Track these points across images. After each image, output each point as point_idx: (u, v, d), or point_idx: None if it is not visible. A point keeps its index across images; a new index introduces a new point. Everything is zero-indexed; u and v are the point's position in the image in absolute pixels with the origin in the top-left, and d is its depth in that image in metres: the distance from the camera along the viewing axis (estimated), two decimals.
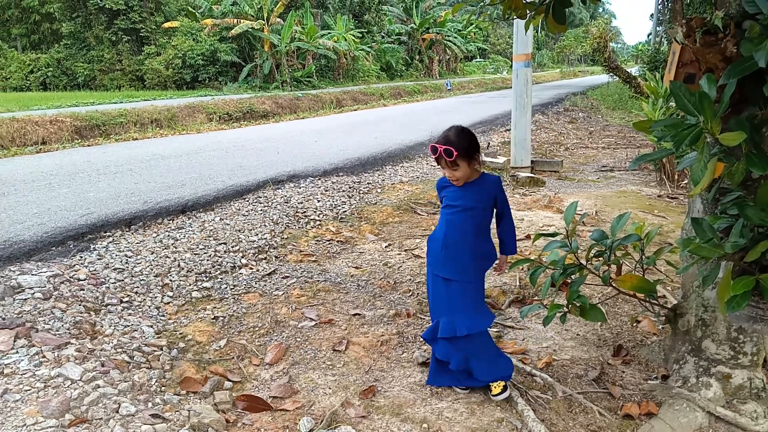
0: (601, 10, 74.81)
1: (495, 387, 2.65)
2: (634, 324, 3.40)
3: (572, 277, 2.75)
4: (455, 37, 39.52)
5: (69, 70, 29.69)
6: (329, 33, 29.79)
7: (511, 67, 40.34)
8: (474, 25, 42.99)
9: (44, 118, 13.53)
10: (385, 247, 4.86)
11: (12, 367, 2.81)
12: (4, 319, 3.23)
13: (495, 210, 2.67)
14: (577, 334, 3.31)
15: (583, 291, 3.13)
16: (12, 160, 8.24)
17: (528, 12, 2.98)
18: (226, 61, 26.55)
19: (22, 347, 2.99)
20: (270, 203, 5.73)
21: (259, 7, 26.60)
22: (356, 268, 4.40)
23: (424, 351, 3.11)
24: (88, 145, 9.85)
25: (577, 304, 2.64)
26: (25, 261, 3.97)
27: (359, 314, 3.61)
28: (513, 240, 2.78)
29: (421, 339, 3.12)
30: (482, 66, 49.64)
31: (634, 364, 3.00)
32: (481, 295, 2.68)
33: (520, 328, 3.40)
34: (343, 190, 6.32)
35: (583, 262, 2.74)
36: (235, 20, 25.96)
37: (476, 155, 2.55)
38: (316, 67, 28.72)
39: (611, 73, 18.62)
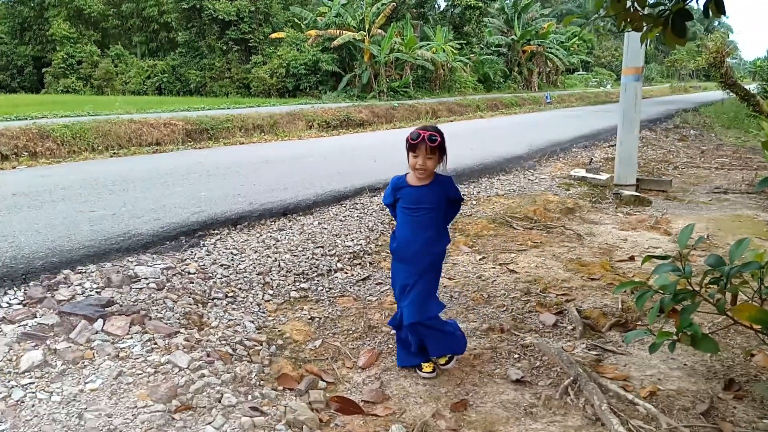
0: (717, 23, 70.33)
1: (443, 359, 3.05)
2: (748, 357, 3.16)
3: (683, 303, 2.59)
4: (557, 49, 38.54)
5: (182, 76, 31.76)
6: (428, 44, 29.98)
7: (615, 80, 38.77)
8: (578, 37, 41.75)
9: (159, 121, 14.53)
10: (479, 259, 4.80)
11: (126, 351, 3.03)
12: (121, 305, 3.49)
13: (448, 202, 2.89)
14: (685, 364, 3.12)
15: (693, 319, 2.95)
16: (132, 158, 8.91)
17: (645, 24, 2.86)
18: (327, 70, 27.37)
19: (136, 333, 3.21)
20: (366, 210, 5.84)
21: (361, 18, 27.25)
22: (449, 279, 4.39)
23: (519, 368, 3.04)
24: (199, 148, 10.47)
25: (688, 333, 2.49)
26: (142, 253, 4.27)
27: None
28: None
29: (510, 354, 3.17)
30: (585, 79, 48.08)
31: (747, 400, 2.78)
32: (437, 284, 3.01)
33: (621, 353, 3.24)
34: None
35: (697, 288, 2.58)
36: (338, 31, 26.73)
37: (444, 156, 2.78)
38: (413, 78, 28.98)
39: (727, 90, 17.43)
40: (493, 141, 11.44)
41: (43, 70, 34.93)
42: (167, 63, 32.51)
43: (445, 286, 4.22)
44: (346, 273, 4.49)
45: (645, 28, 2.91)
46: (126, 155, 9.50)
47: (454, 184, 2.90)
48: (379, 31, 27.09)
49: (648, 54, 57.68)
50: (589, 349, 3.26)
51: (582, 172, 8.01)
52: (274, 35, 30.02)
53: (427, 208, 2.80)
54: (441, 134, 2.74)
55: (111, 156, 9.45)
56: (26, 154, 10.19)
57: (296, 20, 31.18)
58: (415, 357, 3.02)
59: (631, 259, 4.71)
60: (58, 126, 12.42)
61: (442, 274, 4.44)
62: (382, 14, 27.05)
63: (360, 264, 4.65)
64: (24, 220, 4.75)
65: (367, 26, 26.81)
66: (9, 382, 2.70)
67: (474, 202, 6.54)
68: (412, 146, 2.74)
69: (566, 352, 3.14)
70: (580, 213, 6.33)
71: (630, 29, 2.94)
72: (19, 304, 3.41)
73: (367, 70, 26.37)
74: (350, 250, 4.86)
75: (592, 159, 9.31)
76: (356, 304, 3.93)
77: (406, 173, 2.87)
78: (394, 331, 3.50)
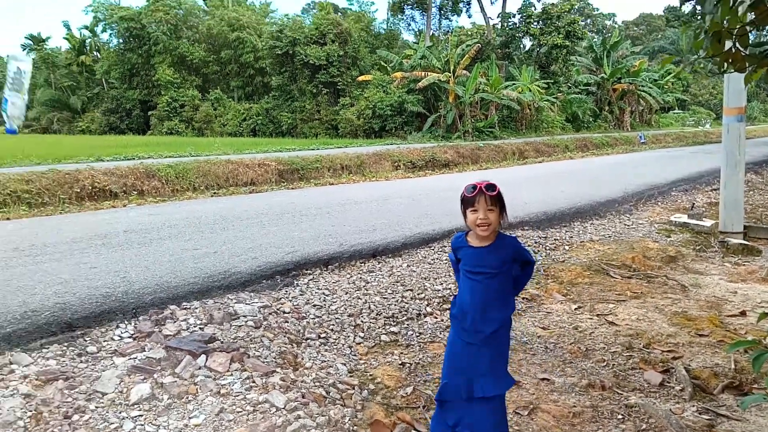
0: None
1: None
2: None
3: None
4: (650, 87, 37.25)
5: (275, 118, 33.26)
6: (514, 84, 29.88)
7: (715, 119, 36.69)
8: (672, 75, 40.22)
9: (254, 162, 15.23)
10: (575, 309, 4.63)
11: (227, 388, 3.13)
12: (222, 342, 3.63)
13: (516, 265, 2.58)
14: None
15: None
16: (230, 198, 9.37)
17: (747, 65, 2.72)
18: (412, 111, 27.81)
19: (236, 370, 3.32)
20: None
21: (446, 60, 27.65)
22: (543, 328, 4.25)
23: (623, 431, 2.87)
24: (291, 188, 10.86)
25: None
26: (241, 291, 4.44)
27: (548, 379, 3.45)
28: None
29: (613, 414, 2.93)
30: (681, 118, 46.01)
31: None
32: (502, 357, 2.59)
33: (737, 419, 3.00)
34: (529, 245, 6.19)
35: None
36: (423, 73, 27.20)
37: (504, 212, 2.51)
38: (498, 118, 28.88)
39: None
40: (584, 183, 11.12)
41: (149, 113, 37.70)
42: (261, 106, 34.20)
43: (539, 336, 4.08)
44: (436, 318, 4.45)
45: (748, 69, 2.76)
46: (225, 195, 10.00)
47: (521, 245, 2.61)
48: (464, 71, 27.33)
49: (750, 92, 54.66)
50: (700, 413, 3.04)
51: (683, 218, 7.60)
52: (361, 78, 30.98)
53: (489, 273, 2.50)
54: (498, 187, 2.53)
55: (212, 196, 9.98)
56: (135, 192, 10.95)
57: (382, 63, 32.06)
58: None
59: (743, 314, 4.38)
60: (163, 166, 13.30)
61: (536, 324, 4.32)
62: (466, 55, 27.34)
63: (450, 310, 4.59)
64: (134, 256, 5.08)
65: (451, 67, 27.13)
66: (120, 413, 2.86)
67: (566, 248, 6.34)
68: (468, 201, 2.49)
69: (675, 415, 2.94)
70: (683, 262, 5.99)
71: (732, 70, 2.80)
72: (129, 337, 3.63)
73: (452, 110, 26.56)
74: (439, 294, 4.83)
75: (693, 204, 8.83)
76: None
77: (467, 231, 2.59)
78: None
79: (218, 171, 14.15)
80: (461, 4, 44.73)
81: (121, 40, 39.38)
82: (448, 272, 5.29)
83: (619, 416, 3.02)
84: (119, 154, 16.33)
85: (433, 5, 42.71)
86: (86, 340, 3.53)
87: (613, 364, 3.63)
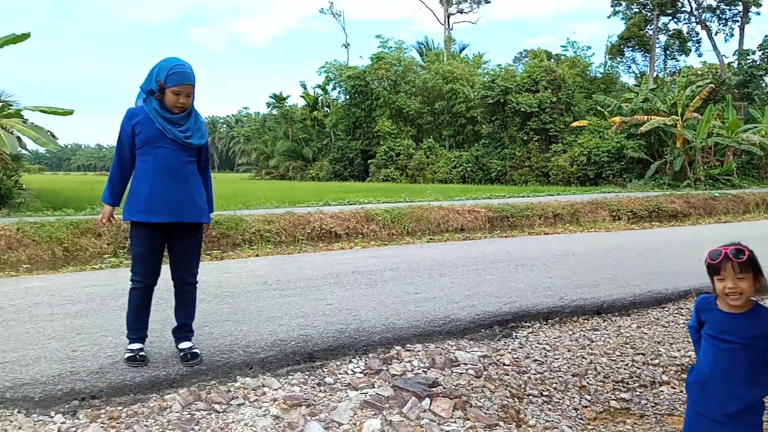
0: None
1: None
2: None
3: None
4: None
5: (484, 165, 33.72)
6: (755, 127, 26.48)
7: None
8: None
9: (464, 208, 15.58)
10: None
11: None
12: (445, 387, 3.71)
13: None
14: None
15: None
16: (445, 244, 9.64)
17: None
18: (633, 157, 26.13)
19: (459, 418, 3.35)
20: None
21: (672, 102, 25.61)
22: None
23: None
24: (504, 236, 10.83)
25: None
26: (460, 338, 4.51)
27: None
28: None
29: None
30: None
31: None
32: None
33: None
34: None
35: None
36: (646, 117, 25.49)
37: (761, 277, 2.24)
38: (737, 164, 25.76)
39: None
40: None
41: (369, 161, 40.85)
42: (471, 153, 34.98)
43: None
44: (674, 388, 4.04)
45: None
46: (440, 241, 10.32)
47: None
48: (695, 114, 25.01)
49: None
50: None
51: None
52: (575, 123, 30.08)
53: (737, 342, 2.25)
54: (749, 250, 2.27)
55: (427, 242, 10.38)
56: (357, 235, 11.87)
57: (599, 108, 30.80)
58: None
59: None
60: (381, 211, 14.26)
61: None
62: (697, 97, 25.03)
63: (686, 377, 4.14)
64: (362, 296, 5.46)
65: (679, 110, 25.01)
66: None
67: None
68: (714, 268, 2.28)
69: None
70: None
71: None
72: (360, 372, 3.88)
73: (680, 156, 24.36)
74: (676, 362, 4.38)
75: None
76: None
77: (716, 295, 2.36)
78: None
79: (430, 216, 14.76)
80: (690, 43, 41.33)
81: (347, 97, 43.61)
82: (686, 337, 4.78)
83: None
84: (342, 199, 17.88)
85: (657, 45, 40.08)
86: (324, 371, 3.86)
87: None
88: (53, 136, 16.39)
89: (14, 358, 3.66)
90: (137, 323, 3.59)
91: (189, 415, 3.18)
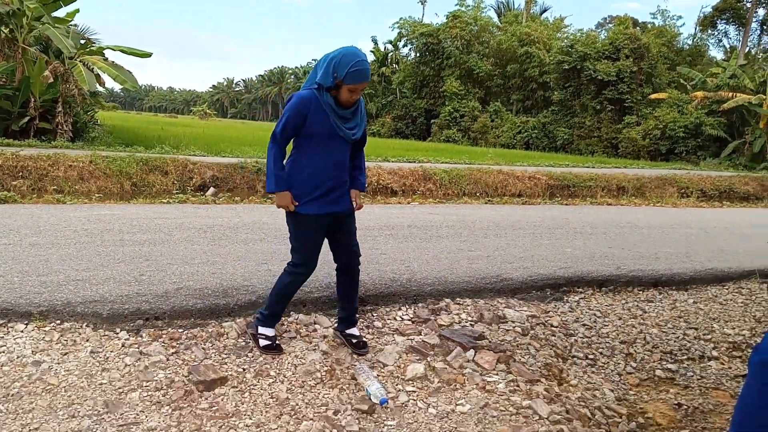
0: None
1: None
2: None
3: None
4: None
5: (551, 133, 32.82)
6: None
7: None
8: None
9: (524, 174, 15.30)
10: None
11: (492, 386, 3.25)
12: (490, 341, 3.77)
13: None
14: None
15: None
16: (502, 207, 9.57)
17: None
18: (711, 135, 24.84)
19: (501, 371, 3.42)
20: (754, 297, 5.07)
21: (762, 81, 24.01)
22: None
23: None
24: (566, 204, 10.62)
25: None
26: (511, 297, 4.54)
27: None
28: None
29: None
30: None
31: None
32: None
33: None
34: None
35: None
36: (731, 93, 24.06)
37: None
38: None
39: None
40: None
41: (432, 121, 40.45)
42: (538, 120, 34.08)
43: None
44: (723, 363, 3.96)
45: None
46: (498, 203, 10.24)
47: None
48: None
49: None
50: None
51: None
52: (653, 96, 28.72)
53: None
54: None
55: (485, 203, 10.32)
56: (418, 192, 11.90)
57: (681, 81, 29.27)
58: None
59: None
60: (439, 170, 14.19)
61: None
62: None
63: (741, 358, 4.05)
64: (417, 249, 5.55)
65: None
66: (397, 385, 3.18)
67: None
68: None
69: None
70: None
71: None
72: (409, 320, 3.99)
73: (762, 137, 22.98)
74: (729, 339, 4.28)
75: None
76: (733, 402, 3.43)
77: None
78: None
79: (489, 180, 14.59)
80: None
81: (417, 54, 42.98)
82: (743, 316, 4.65)
83: None
84: (402, 156, 17.86)
85: (754, 19, 37.30)
86: (374, 315, 3.99)
87: None
88: (132, 75, 16.98)
89: (86, 276, 3.95)
90: (282, 309, 3.45)
91: (244, 343, 3.39)
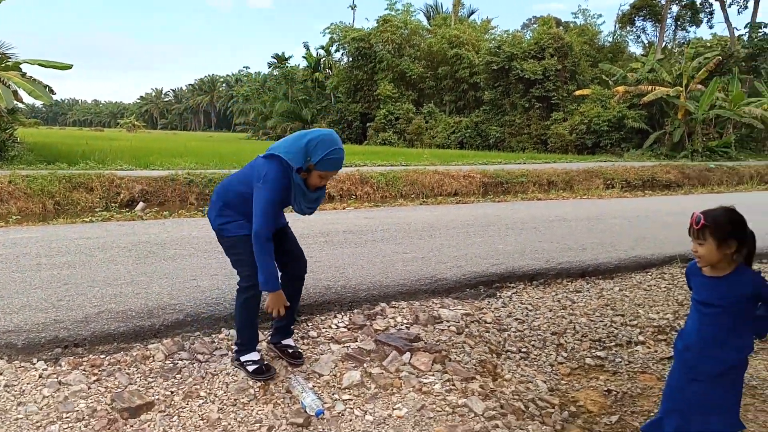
0: None
1: None
2: None
3: None
4: None
5: (483, 132, 33.53)
6: (758, 100, 26.26)
7: None
8: None
9: (459, 173, 15.57)
10: None
11: (429, 387, 3.26)
12: (426, 343, 3.79)
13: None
14: None
15: None
16: (437, 207, 9.68)
17: None
18: (633, 127, 26.00)
19: (437, 371, 3.44)
20: (675, 282, 5.32)
21: (678, 74, 25.34)
22: None
23: None
24: (498, 201, 10.86)
25: None
26: (445, 296, 4.58)
27: None
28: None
29: None
30: None
31: None
32: (729, 398, 2.33)
33: None
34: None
35: None
36: (650, 87, 25.26)
37: (731, 243, 2.25)
38: (736, 137, 25.65)
39: None
40: None
41: (367, 124, 40.53)
42: (471, 119, 34.73)
43: None
44: (649, 348, 4.13)
45: None
46: (433, 204, 10.36)
47: (764, 281, 2.30)
48: (699, 86, 24.78)
49: None
50: None
51: None
52: (578, 92, 29.82)
53: (719, 306, 2.30)
54: (723, 217, 2.27)
55: (420, 204, 10.41)
56: (351, 197, 11.89)
57: (604, 77, 30.50)
58: None
59: None
60: (376, 174, 14.26)
61: None
62: (704, 69, 24.74)
63: (666, 341, 4.23)
64: (351, 255, 5.52)
65: (684, 81, 24.77)
66: (333, 394, 3.15)
67: None
68: (689, 231, 2.34)
69: None
70: None
71: None
72: (345, 327, 3.96)
73: (681, 127, 24.25)
74: (654, 324, 4.46)
75: None
76: (659, 384, 3.57)
77: None
78: None
79: (425, 180, 14.77)
80: (702, 14, 40.61)
81: (350, 59, 43.00)
82: (666, 301, 4.87)
83: None
84: None
85: (669, 15, 39.37)
86: (308, 325, 3.94)
87: None
88: (50, 90, 16.22)
89: None
90: (254, 331, 3.32)
91: (172, 364, 3.27)
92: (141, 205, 10.44)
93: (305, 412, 2.92)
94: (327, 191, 13.09)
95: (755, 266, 5.85)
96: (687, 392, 2.39)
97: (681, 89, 24.55)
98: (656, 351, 4.09)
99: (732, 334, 2.30)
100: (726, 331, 2.31)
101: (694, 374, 2.36)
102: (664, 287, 5.18)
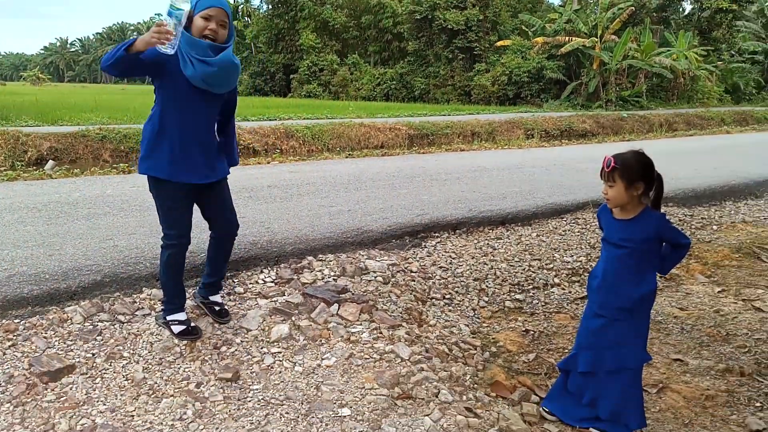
0: None
1: None
2: None
3: None
4: None
5: (408, 84, 33.49)
6: (668, 50, 27.54)
7: None
8: None
9: (385, 126, 15.57)
10: (718, 292, 4.33)
11: (356, 336, 3.34)
12: (353, 294, 3.85)
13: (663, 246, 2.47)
14: None
15: None
16: (363, 160, 9.69)
17: None
18: (551, 78, 26.71)
19: (365, 321, 3.52)
20: (588, 226, 5.62)
21: (594, 24, 26.06)
22: (681, 309, 4.03)
23: (760, 418, 2.70)
24: (423, 153, 10.98)
25: None
26: (372, 248, 4.65)
27: (681, 360, 3.30)
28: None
29: (750, 401, 2.78)
30: None
31: None
32: (638, 332, 2.53)
33: None
34: (673, 222, 5.81)
35: None
36: (567, 38, 25.90)
37: (639, 185, 2.39)
38: (647, 87, 26.89)
39: None
40: (740, 160, 10.14)
41: (291, 76, 39.53)
42: (396, 71, 34.56)
43: (675, 317, 3.89)
44: (564, 289, 4.39)
45: None
46: (359, 157, 10.36)
47: (668, 224, 2.45)
48: (613, 37, 25.63)
49: None
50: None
51: None
52: (499, 43, 30.18)
53: (627, 246, 2.44)
54: (632, 160, 2.40)
55: (346, 157, 10.39)
56: (276, 151, 11.67)
57: (524, 28, 30.96)
58: (585, 411, 2.63)
59: None
60: (301, 127, 14.03)
61: (673, 304, 4.11)
62: (617, 19, 25.56)
63: (579, 282, 4.50)
64: (277, 209, 5.47)
65: (599, 32, 25.55)
66: (262, 348, 3.17)
67: (715, 227, 5.89)
68: (600, 174, 2.47)
69: None
70: None
71: None
72: (272, 282, 3.95)
73: (596, 78, 25.13)
74: (569, 266, 4.73)
75: None
76: (573, 323, 3.82)
77: None
78: None
79: (351, 134, 14.69)
80: None
81: (270, 6, 41.36)
82: (580, 244, 5.15)
83: (757, 404, 2.84)
84: (263, 115, 17.38)
85: None
86: (234, 282, 3.91)
87: (756, 351, 3.38)
88: None
89: None
90: (180, 289, 3.19)
91: (91, 326, 3.17)
92: (50, 163, 9.84)
93: (167, 23, 2.50)
94: (250, 146, 12.83)
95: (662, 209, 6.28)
96: (598, 328, 2.57)
97: (596, 40, 25.33)
98: (570, 292, 4.34)
99: (638, 272, 2.47)
100: (633, 269, 2.47)
101: (604, 311, 2.53)
102: (578, 231, 5.47)
